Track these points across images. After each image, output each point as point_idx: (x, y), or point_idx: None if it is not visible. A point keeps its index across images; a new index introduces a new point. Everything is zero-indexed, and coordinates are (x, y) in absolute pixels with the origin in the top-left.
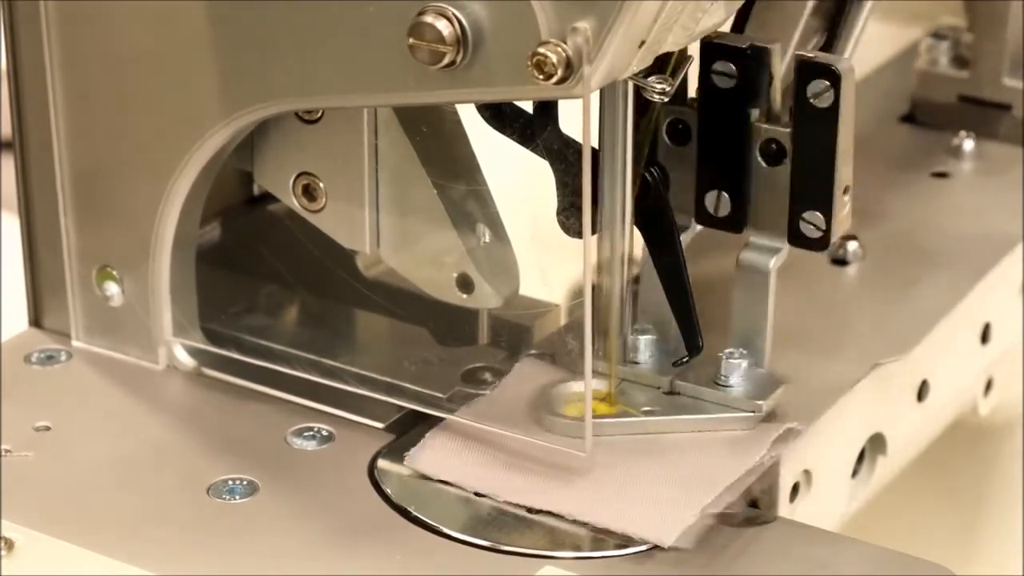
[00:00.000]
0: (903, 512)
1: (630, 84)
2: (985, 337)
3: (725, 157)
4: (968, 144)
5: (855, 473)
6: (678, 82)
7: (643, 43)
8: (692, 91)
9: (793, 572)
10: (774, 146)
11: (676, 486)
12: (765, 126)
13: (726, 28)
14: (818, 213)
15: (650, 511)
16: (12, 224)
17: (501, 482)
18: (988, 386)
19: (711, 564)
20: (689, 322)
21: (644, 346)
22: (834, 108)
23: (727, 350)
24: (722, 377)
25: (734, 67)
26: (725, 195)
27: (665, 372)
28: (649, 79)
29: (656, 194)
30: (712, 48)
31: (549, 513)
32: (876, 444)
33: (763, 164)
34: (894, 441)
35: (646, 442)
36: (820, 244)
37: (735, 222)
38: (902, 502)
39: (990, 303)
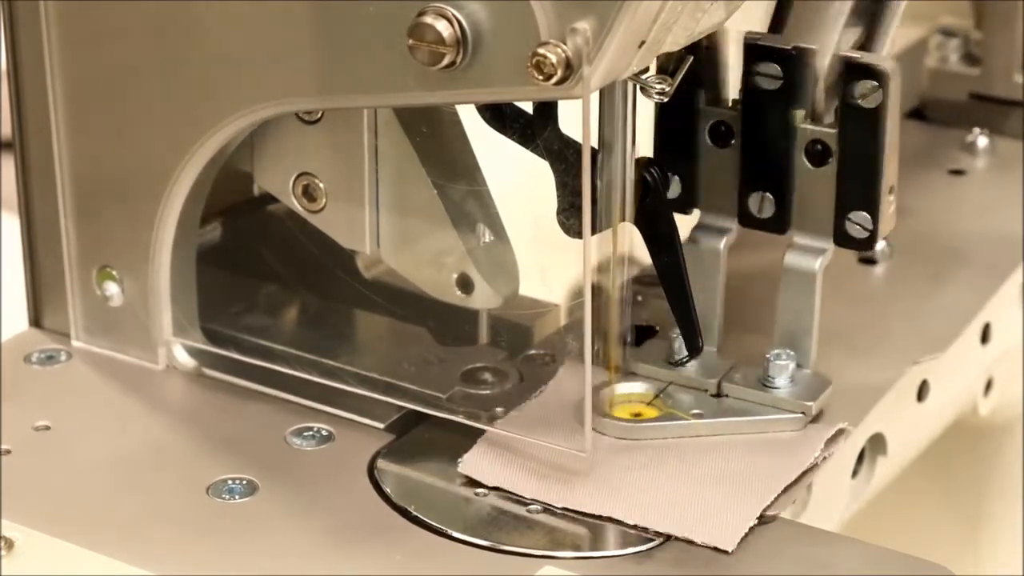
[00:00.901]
0: (903, 512)
1: (630, 84)
2: (985, 337)
3: (769, 158)
4: (982, 141)
5: (855, 473)
6: (677, 82)
7: (643, 43)
8: (733, 92)
9: (793, 572)
10: (819, 147)
11: (733, 489)
12: (810, 127)
13: (761, 25)
14: (864, 213)
15: (710, 516)
16: (12, 224)
17: (554, 489)
18: (988, 386)
19: (711, 564)
20: (689, 322)
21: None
22: (881, 108)
23: (773, 351)
24: (769, 379)
25: (779, 68)
26: (769, 196)
27: (711, 374)
28: (649, 79)
29: (656, 194)
30: (755, 49)
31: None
32: (876, 444)
33: (808, 165)
34: (894, 441)
35: (696, 445)
36: (866, 244)
37: (779, 223)
38: (902, 502)
39: (990, 303)
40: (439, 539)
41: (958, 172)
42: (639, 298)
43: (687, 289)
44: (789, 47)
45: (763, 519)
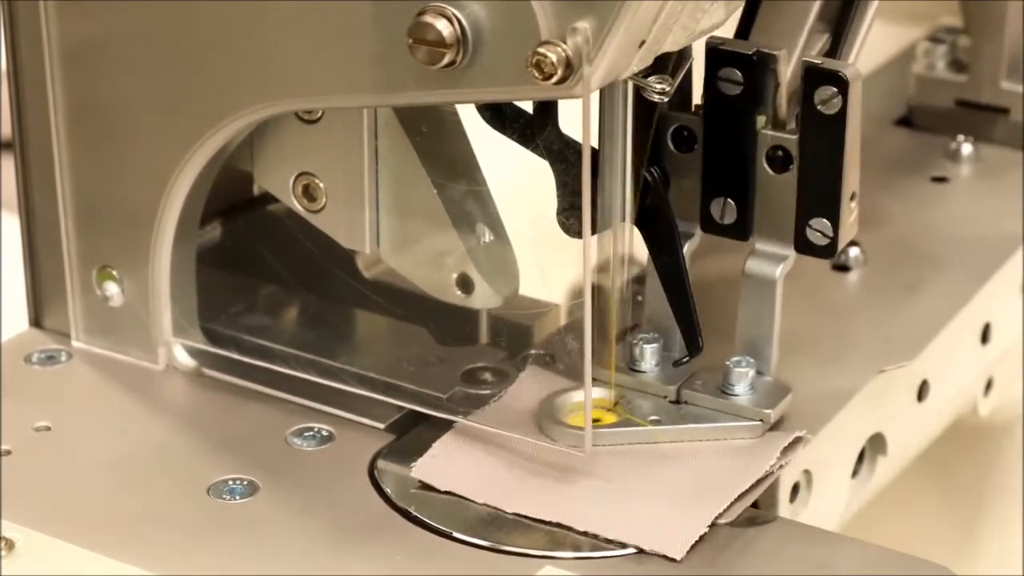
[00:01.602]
0: (903, 512)
1: (630, 84)
2: (985, 337)
3: (731, 164)
4: (966, 148)
5: (855, 473)
6: (677, 82)
7: (643, 43)
8: (696, 98)
9: (793, 572)
10: (780, 153)
11: (686, 496)
12: (771, 133)
13: (728, 31)
14: (825, 220)
15: (661, 522)
16: (12, 224)
17: (508, 494)
18: (988, 386)
19: (711, 564)
20: (690, 322)
21: (649, 354)
22: (841, 114)
23: (734, 359)
24: (729, 386)
25: (740, 74)
26: (731, 202)
27: (671, 381)
28: (649, 79)
29: (656, 194)
30: (718, 55)
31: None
32: (876, 444)
33: (769, 171)
34: (894, 441)
35: (653, 452)
36: (827, 251)
37: (741, 229)
38: (902, 502)
39: (990, 303)
40: (439, 539)
41: (941, 179)
42: (639, 298)
43: (687, 289)
44: (750, 52)
45: (761, 519)
